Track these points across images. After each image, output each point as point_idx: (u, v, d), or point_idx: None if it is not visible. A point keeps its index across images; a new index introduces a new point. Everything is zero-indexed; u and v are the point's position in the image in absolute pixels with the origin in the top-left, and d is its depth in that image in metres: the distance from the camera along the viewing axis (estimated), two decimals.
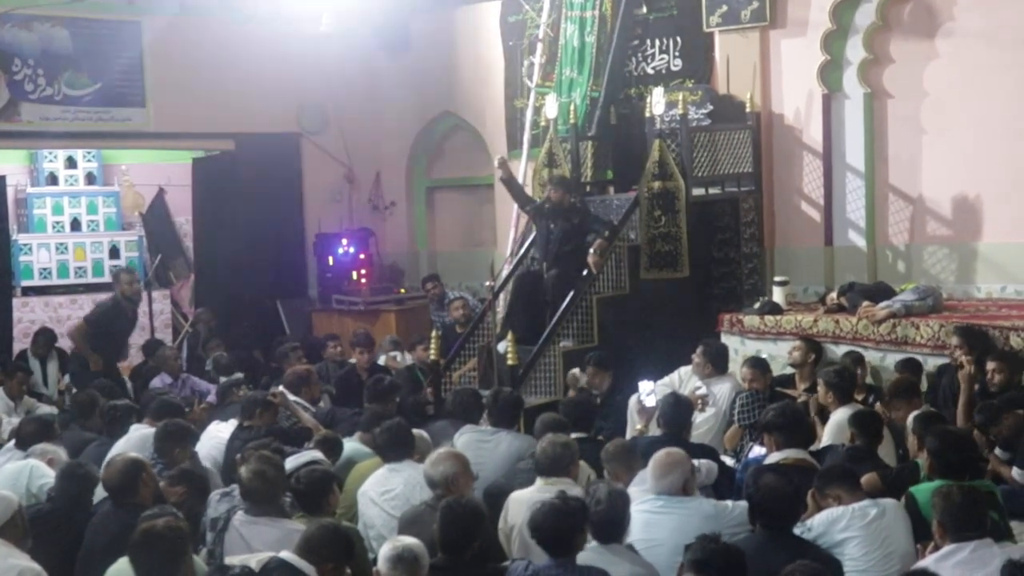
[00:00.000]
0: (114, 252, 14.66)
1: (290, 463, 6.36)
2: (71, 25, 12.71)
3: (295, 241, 14.38)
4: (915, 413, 7.14)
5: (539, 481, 6.12)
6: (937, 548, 4.97)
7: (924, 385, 8.37)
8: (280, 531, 5.61)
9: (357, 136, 14.65)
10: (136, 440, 7.52)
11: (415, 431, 7.14)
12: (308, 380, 9.06)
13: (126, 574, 5.02)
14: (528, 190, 11.53)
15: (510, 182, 10.92)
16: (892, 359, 8.96)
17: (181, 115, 13.23)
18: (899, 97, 10.78)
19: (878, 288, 9.80)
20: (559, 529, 4.94)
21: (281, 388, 8.68)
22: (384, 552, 4.88)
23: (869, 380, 8.85)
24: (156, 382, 10.67)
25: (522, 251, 10.93)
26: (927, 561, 4.89)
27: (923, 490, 5.67)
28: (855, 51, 10.83)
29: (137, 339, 13.21)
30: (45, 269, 14.33)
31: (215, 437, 8.00)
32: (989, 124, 10.20)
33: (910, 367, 8.57)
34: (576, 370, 9.18)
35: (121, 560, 5.20)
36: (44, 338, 11.94)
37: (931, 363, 8.76)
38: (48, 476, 6.83)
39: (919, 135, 10.67)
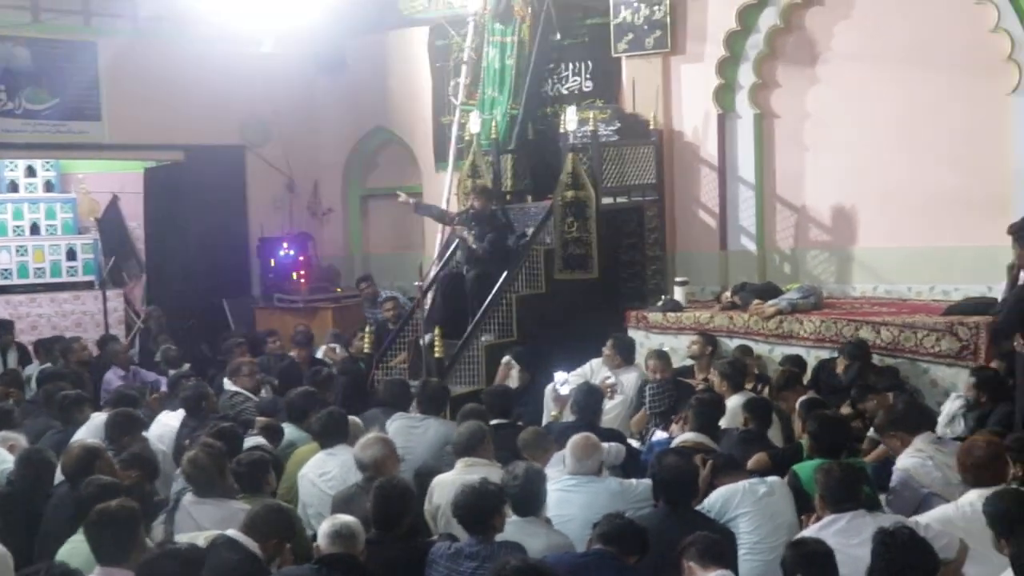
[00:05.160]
0: (71, 254, 14.35)
1: None
2: (32, 44, 12.52)
3: (239, 244, 14.25)
4: (802, 399, 7.25)
5: (459, 464, 6.10)
6: (819, 519, 5.04)
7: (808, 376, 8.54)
8: (225, 511, 5.53)
9: (297, 148, 14.54)
10: (94, 427, 7.38)
11: (349, 417, 7.09)
12: (237, 372, 8.97)
13: (79, 552, 4.94)
14: (454, 198, 11.54)
15: (421, 208, 10.94)
16: (779, 351, 9.09)
17: (134, 128, 13.06)
18: (785, 117, 10.94)
19: (767, 288, 9.91)
20: (478, 509, 4.93)
21: None
22: (324, 529, 4.84)
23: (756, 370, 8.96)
24: (109, 375, 10.51)
25: (448, 254, 10.90)
26: (810, 531, 4.96)
27: (805, 468, 5.77)
28: (746, 76, 10.97)
29: (92, 334, 12.99)
30: (6, 270, 13.99)
31: (165, 425, 7.89)
32: (864, 142, 10.39)
33: (793, 362, 8.70)
34: (508, 357, 9.18)
35: (73, 538, 5.13)
36: (4, 329, 11.69)
37: (813, 355, 8.90)
38: (8, 461, 6.66)
39: (803, 151, 10.84)
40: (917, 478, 5.74)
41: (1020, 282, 7.71)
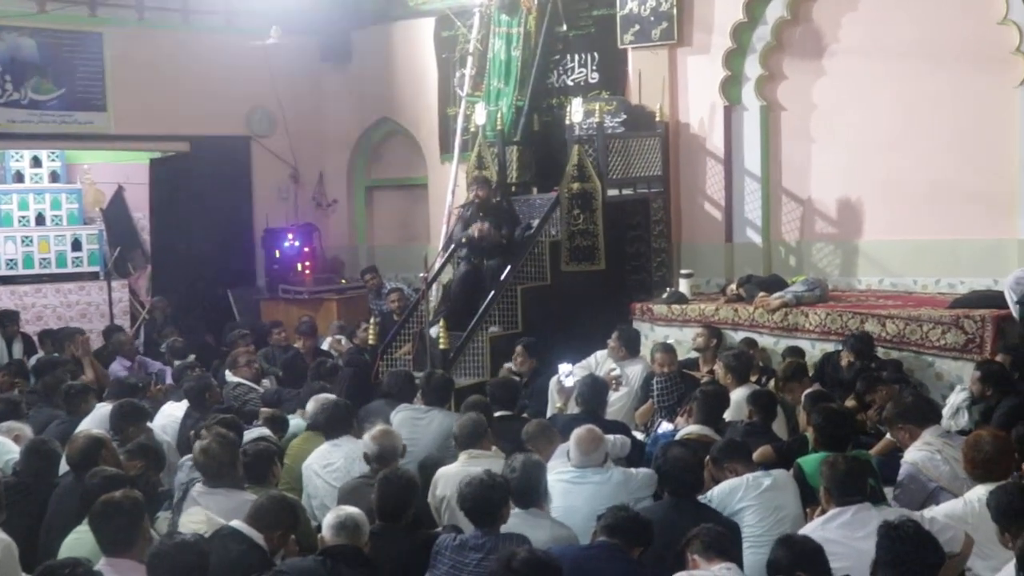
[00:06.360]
0: (76, 245, 14.39)
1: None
2: (37, 35, 12.50)
3: (245, 235, 14.22)
4: (807, 391, 7.23)
5: (462, 456, 6.10)
6: (824, 512, 5.04)
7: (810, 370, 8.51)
8: (235, 501, 5.51)
9: (302, 139, 14.52)
10: (99, 418, 7.40)
11: None
12: (235, 364, 9.01)
13: (84, 542, 4.94)
14: (460, 191, 11.57)
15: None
16: (784, 344, 9.07)
17: (139, 119, 13.05)
18: (791, 110, 10.90)
19: (772, 280, 9.90)
20: (486, 501, 4.93)
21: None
22: (328, 520, 4.85)
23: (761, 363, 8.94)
24: (115, 365, 10.51)
25: (453, 246, 10.87)
26: (815, 524, 4.96)
27: (809, 460, 5.76)
28: (752, 68, 10.93)
29: (97, 325, 13.02)
30: (12, 260, 14.04)
31: (170, 416, 7.89)
32: (869, 134, 10.36)
33: (795, 353, 8.69)
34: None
35: (78, 528, 5.12)
36: (9, 319, 11.71)
37: (818, 347, 8.89)
38: (14, 452, 6.69)
39: (809, 144, 10.81)
40: (926, 472, 5.73)
41: None
